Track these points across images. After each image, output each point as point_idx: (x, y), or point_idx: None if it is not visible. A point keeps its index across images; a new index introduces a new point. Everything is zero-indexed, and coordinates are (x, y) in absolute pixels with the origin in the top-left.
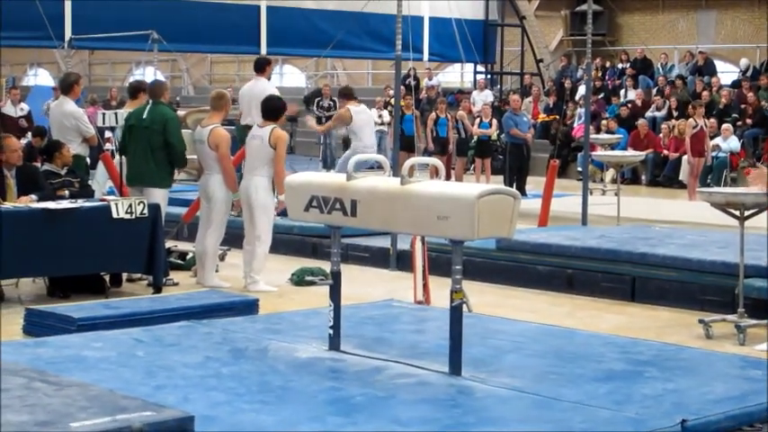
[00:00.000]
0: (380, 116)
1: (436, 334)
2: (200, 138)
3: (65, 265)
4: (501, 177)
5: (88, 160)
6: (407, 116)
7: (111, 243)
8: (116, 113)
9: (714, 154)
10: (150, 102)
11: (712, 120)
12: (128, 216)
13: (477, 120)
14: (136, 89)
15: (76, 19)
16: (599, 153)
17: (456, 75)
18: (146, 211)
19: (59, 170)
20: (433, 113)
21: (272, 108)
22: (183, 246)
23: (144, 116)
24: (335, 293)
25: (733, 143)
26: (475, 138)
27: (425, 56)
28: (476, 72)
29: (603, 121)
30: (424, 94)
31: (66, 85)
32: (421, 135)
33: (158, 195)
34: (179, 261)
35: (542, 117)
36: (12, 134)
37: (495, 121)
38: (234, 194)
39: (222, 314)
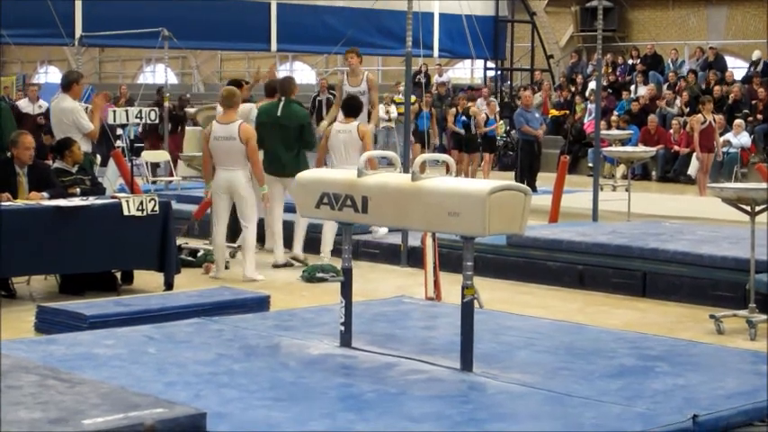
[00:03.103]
0: (388, 112)
1: (447, 330)
2: (226, 134)
3: (76, 262)
4: (512, 174)
5: (99, 158)
6: (425, 113)
7: (122, 240)
8: (126, 111)
9: (725, 149)
10: (283, 99)
11: (719, 116)
12: (139, 213)
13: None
14: (273, 89)
15: (87, 16)
16: (609, 149)
17: (466, 71)
18: (157, 208)
19: (70, 168)
20: (453, 109)
21: (356, 106)
22: (193, 243)
23: (278, 113)
24: (347, 290)
25: (744, 138)
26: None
27: (435, 52)
28: (486, 68)
29: (614, 117)
30: (434, 90)
31: (67, 83)
32: (435, 131)
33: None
34: (190, 258)
35: (553, 112)
36: (28, 131)
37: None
38: (262, 188)
39: (233, 311)
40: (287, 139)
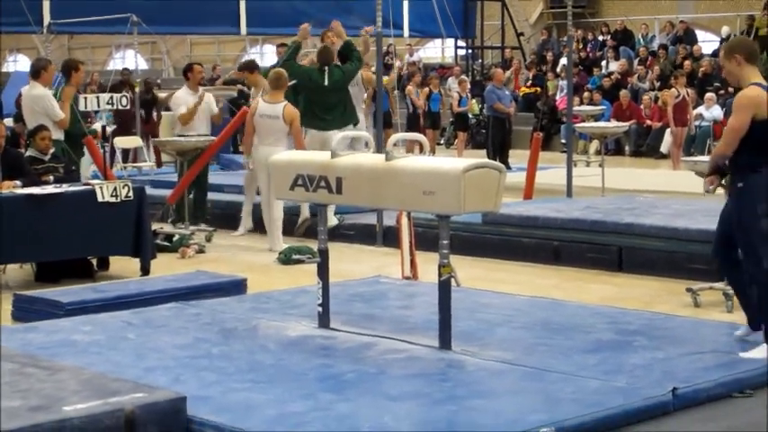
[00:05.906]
0: None
1: (425, 309)
2: (271, 113)
3: (52, 249)
4: (485, 152)
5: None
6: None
7: (97, 227)
8: (98, 97)
9: (697, 123)
10: (327, 67)
11: (690, 89)
12: (113, 199)
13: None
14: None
15: (55, 3)
16: (582, 125)
17: (437, 50)
18: (131, 194)
19: (43, 156)
20: (426, 89)
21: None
22: (168, 228)
23: (326, 83)
24: (323, 271)
25: (716, 112)
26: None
27: (406, 32)
28: (456, 47)
29: (586, 94)
30: (405, 70)
31: (35, 71)
32: (396, 110)
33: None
34: (165, 243)
35: (524, 90)
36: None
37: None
38: None
39: (210, 295)
40: (335, 103)
